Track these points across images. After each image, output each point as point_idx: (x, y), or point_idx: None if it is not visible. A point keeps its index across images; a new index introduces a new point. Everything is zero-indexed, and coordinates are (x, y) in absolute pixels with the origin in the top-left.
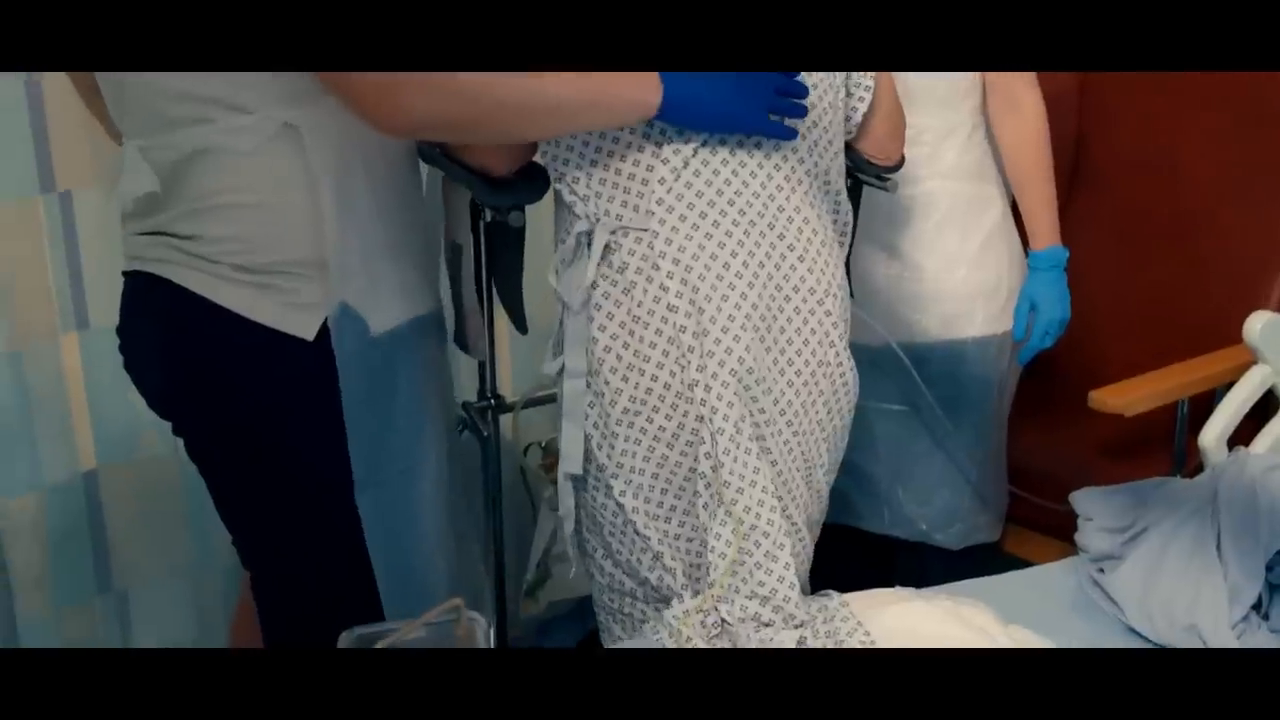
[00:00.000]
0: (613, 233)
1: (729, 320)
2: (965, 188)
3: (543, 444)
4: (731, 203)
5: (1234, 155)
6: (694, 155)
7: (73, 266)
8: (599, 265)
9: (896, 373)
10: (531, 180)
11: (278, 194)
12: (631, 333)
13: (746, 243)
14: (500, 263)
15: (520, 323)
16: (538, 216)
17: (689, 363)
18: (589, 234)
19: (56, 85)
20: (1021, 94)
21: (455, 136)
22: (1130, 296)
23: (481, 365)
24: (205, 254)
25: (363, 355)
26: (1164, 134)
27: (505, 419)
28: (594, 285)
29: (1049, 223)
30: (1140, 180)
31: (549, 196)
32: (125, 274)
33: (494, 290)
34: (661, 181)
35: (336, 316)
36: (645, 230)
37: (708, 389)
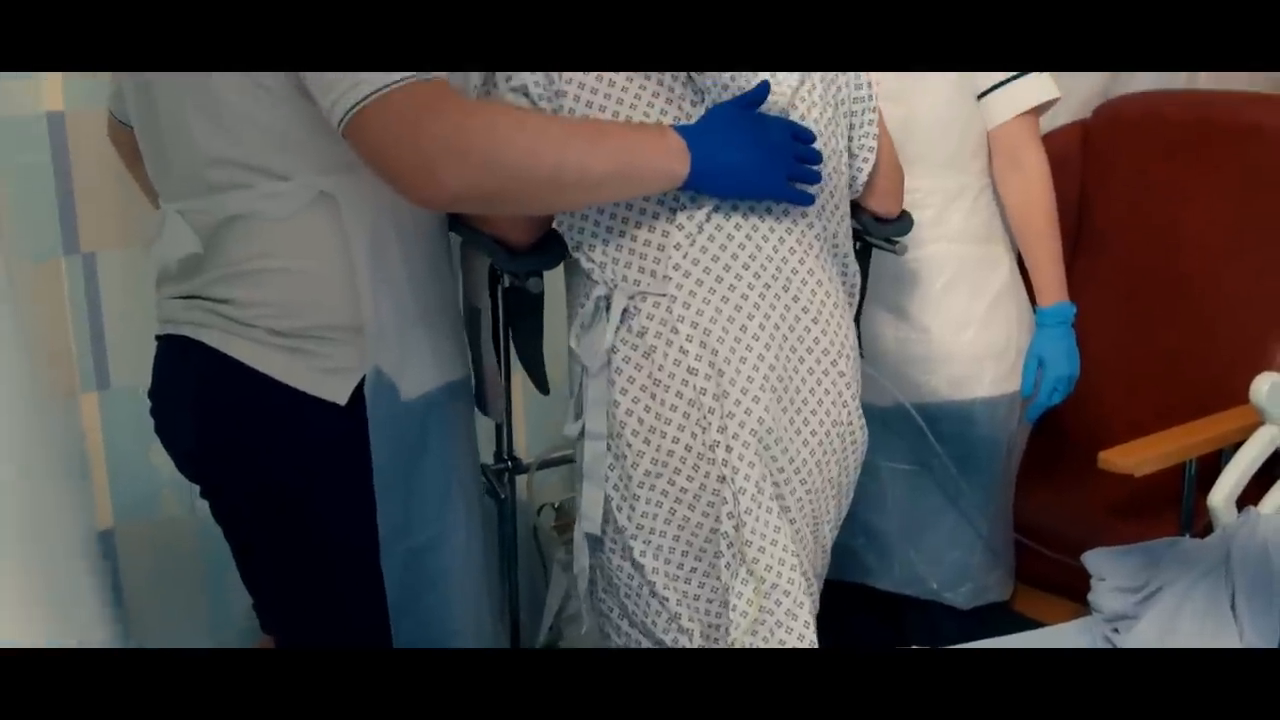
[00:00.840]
0: (631, 297)
1: (748, 381)
2: (972, 250)
3: (556, 505)
4: (746, 266)
5: (1237, 218)
6: (708, 220)
7: (95, 327)
8: (618, 329)
9: (908, 432)
10: (549, 246)
11: (313, 260)
12: (653, 395)
13: (762, 305)
14: (520, 326)
15: (542, 384)
16: (552, 277)
17: (709, 424)
18: (607, 299)
19: (83, 149)
20: (1025, 153)
21: (489, 209)
22: (1135, 356)
23: (499, 427)
24: (240, 318)
25: (395, 420)
26: (1166, 196)
27: (520, 479)
28: (614, 349)
29: (1055, 279)
30: (1143, 241)
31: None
32: (159, 337)
33: (510, 353)
34: (678, 247)
35: (370, 381)
36: (663, 295)
37: (729, 449)
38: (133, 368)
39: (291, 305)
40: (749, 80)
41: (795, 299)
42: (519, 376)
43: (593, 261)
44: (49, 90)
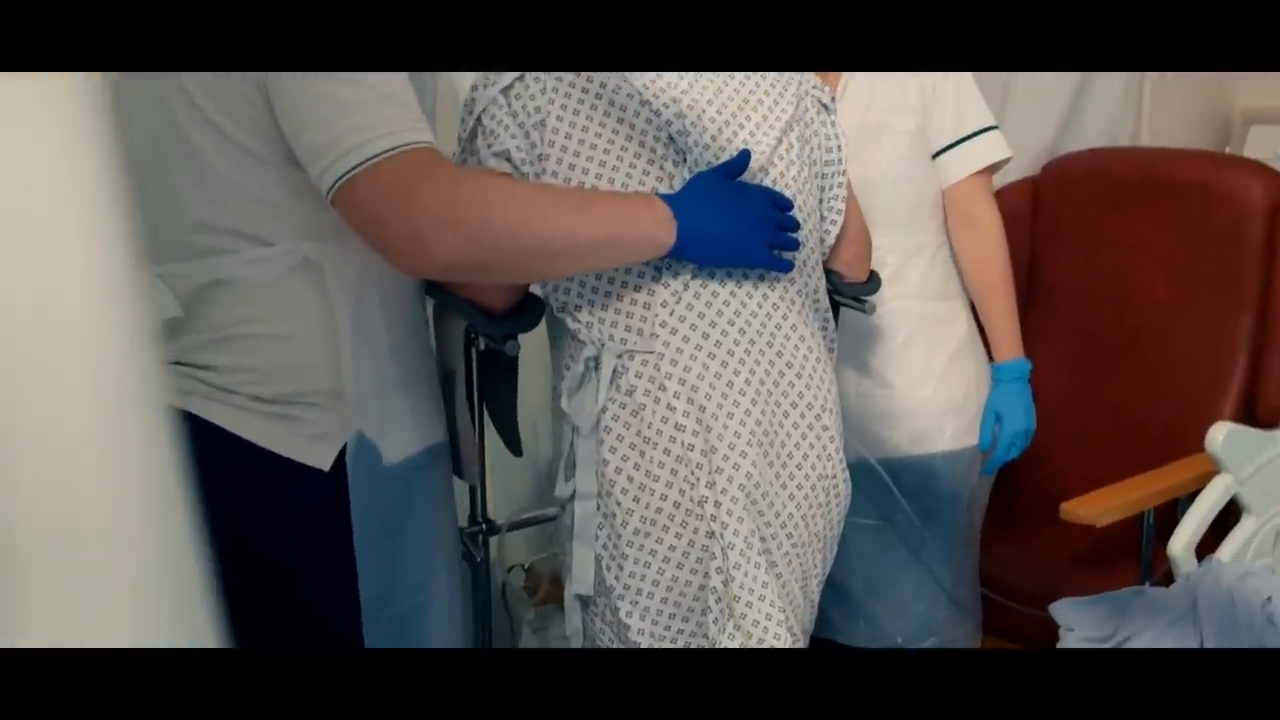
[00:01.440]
0: (619, 356)
1: (735, 437)
2: (930, 306)
3: (525, 566)
4: (731, 322)
5: (1183, 273)
6: (693, 278)
7: None
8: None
9: (871, 487)
10: (526, 309)
11: (296, 325)
12: (642, 453)
13: (748, 360)
14: (495, 389)
15: (515, 446)
16: (525, 339)
17: (698, 479)
18: (597, 359)
19: None
20: (978, 211)
21: (477, 278)
22: (1088, 409)
23: (473, 490)
24: (222, 384)
25: (377, 486)
26: (1115, 251)
27: (491, 541)
28: (603, 409)
29: (1011, 335)
30: (1093, 295)
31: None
32: None
33: (485, 415)
34: (664, 304)
35: (352, 447)
36: (650, 352)
37: (717, 504)
38: None
39: (274, 371)
40: (731, 138)
41: (779, 354)
42: (488, 438)
43: (579, 322)
44: None
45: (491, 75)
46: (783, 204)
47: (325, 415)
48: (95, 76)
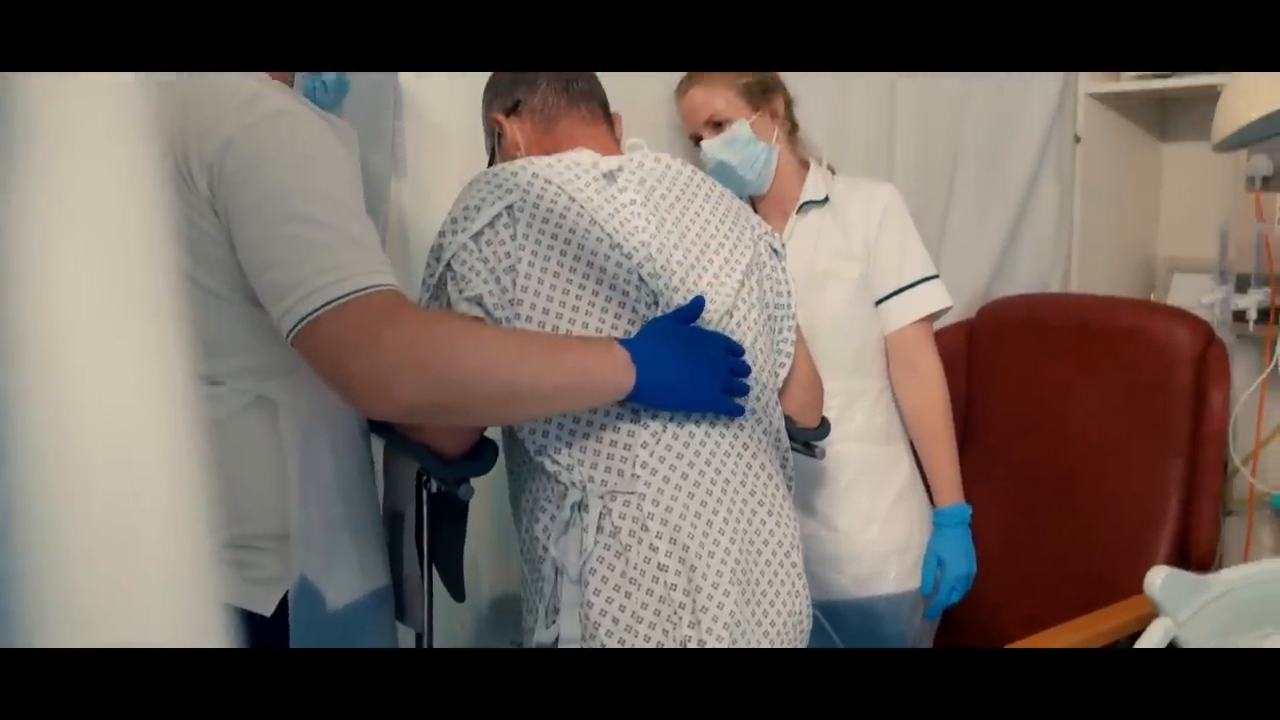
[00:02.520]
0: (601, 497)
1: (718, 576)
2: (874, 449)
3: None
4: (708, 461)
5: (1115, 415)
6: (671, 418)
7: None
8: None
9: (815, 631)
10: (481, 453)
11: (246, 465)
12: (627, 594)
13: (725, 499)
14: (444, 533)
15: (459, 591)
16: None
17: (680, 619)
18: (581, 502)
19: None
20: (919, 357)
21: (439, 421)
22: (1025, 551)
23: (419, 636)
24: None
25: (319, 631)
26: (1050, 394)
27: None
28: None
29: (952, 480)
30: (1029, 438)
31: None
32: None
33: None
34: (644, 445)
35: (294, 591)
36: (633, 493)
37: (701, 644)
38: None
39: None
40: (698, 280)
41: (752, 493)
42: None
43: (559, 464)
44: None
45: (460, 221)
46: (735, 349)
47: (270, 559)
48: None
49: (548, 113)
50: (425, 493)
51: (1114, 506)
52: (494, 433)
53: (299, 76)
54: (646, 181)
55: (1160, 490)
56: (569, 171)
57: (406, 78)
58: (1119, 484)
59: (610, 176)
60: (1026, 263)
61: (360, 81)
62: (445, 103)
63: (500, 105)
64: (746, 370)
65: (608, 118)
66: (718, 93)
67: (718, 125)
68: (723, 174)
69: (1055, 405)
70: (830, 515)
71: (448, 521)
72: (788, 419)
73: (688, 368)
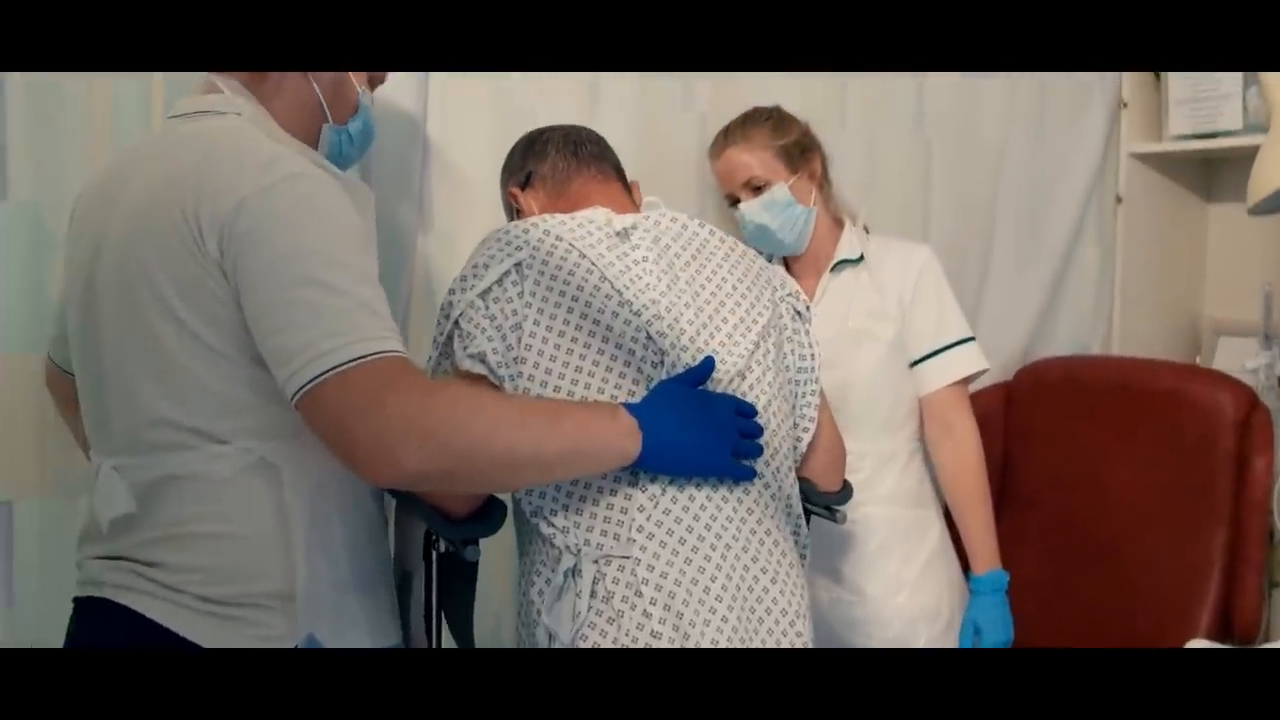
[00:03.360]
0: (595, 562)
1: (713, 644)
2: (904, 513)
3: None
4: (708, 526)
5: (1156, 480)
6: (670, 482)
7: (4, 580)
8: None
9: None
10: (489, 514)
11: (249, 525)
12: None
13: (724, 566)
14: (453, 593)
15: None
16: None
17: None
18: (575, 568)
19: (5, 394)
20: (955, 419)
21: (442, 488)
22: (1063, 616)
23: None
24: (169, 583)
25: None
26: (1089, 457)
27: None
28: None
29: (989, 546)
30: (1068, 501)
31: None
32: (77, 600)
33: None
34: (641, 509)
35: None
36: (628, 557)
37: None
38: (44, 629)
39: (224, 571)
40: (708, 341)
41: (754, 559)
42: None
43: (554, 527)
44: None
45: (469, 279)
46: (745, 410)
47: (276, 618)
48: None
49: (558, 177)
50: (435, 553)
51: (1155, 574)
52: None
53: (325, 129)
54: (661, 240)
55: (1203, 558)
56: (581, 229)
57: (434, 130)
58: (1160, 550)
59: (624, 234)
60: (1067, 324)
61: (387, 134)
62: (472, 156)
63: (514, 180)
64: (758, 431)
65: (621, 178)
66: (756, 155)
67: (756, 188)
68: (761, 237)
69: (1094, 469)
70: (858, 580)
71: (458, 582)
72: (809, 482)
73: (696, 433)
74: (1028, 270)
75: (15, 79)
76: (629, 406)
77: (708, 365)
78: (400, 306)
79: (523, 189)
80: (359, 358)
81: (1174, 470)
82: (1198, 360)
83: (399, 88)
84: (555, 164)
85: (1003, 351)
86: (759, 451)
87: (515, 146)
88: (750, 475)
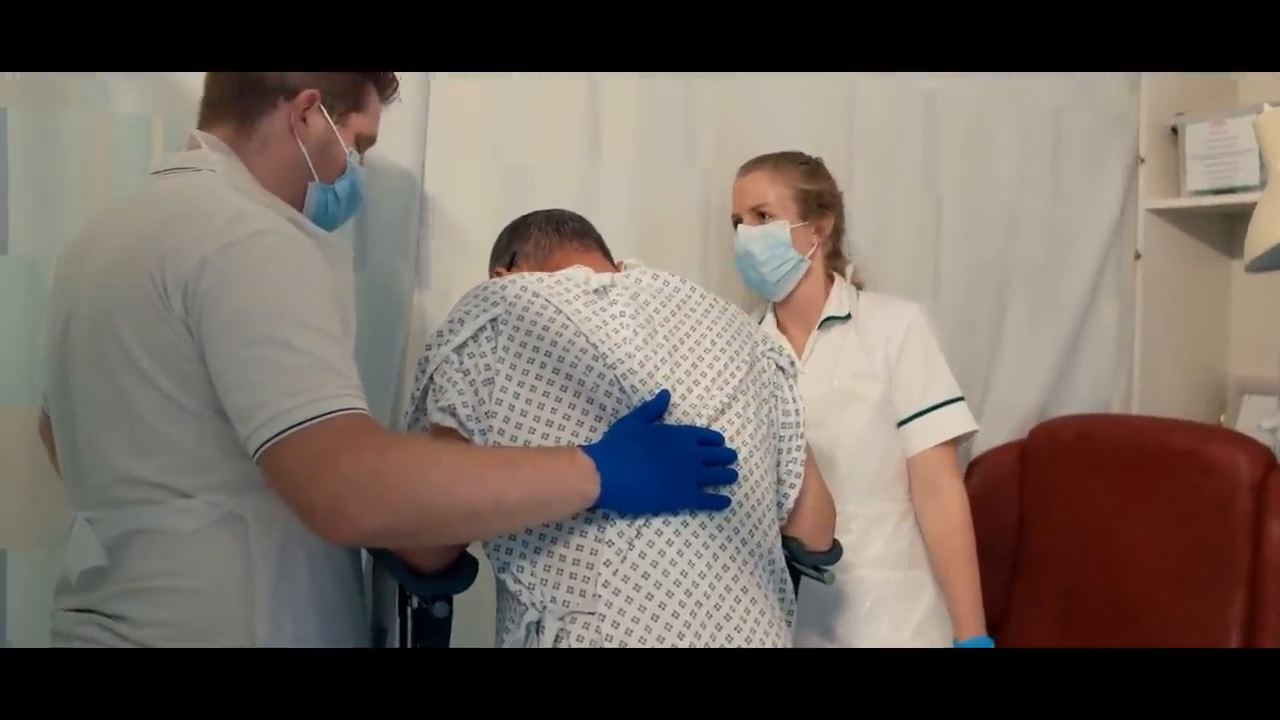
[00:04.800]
0: (560, 619)
1: None
2: (894, 575)
3: None
4: (678, 583)
5: (1173, 543)
6: (638, 536)
7: None
8: None
9: None
10: (459, 570)
11: (214, 579)
12: None
13: (693, 624)
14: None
15: None
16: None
17: None
18: (539, 623)
19: (2, 441)
20: (941, 480)
21: (404, 544)
22: None
23: None
24: (132, 637)
25: None
26: (1104, 517)
27: None
28: None
29: (973, 611)
30: (1083, 562)
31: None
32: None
33: None
34: (607, 564)
35: None
36: (593, 614)
37: None
38: None
39: (185, 626)
40: (685, 395)
41: (727, 618)
42: None
43: (520, 583)
44: None
45: (445, 334)
46: (710, 438)
47: None
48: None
49: (540, 252)
50: (409, 609)
51: (1171, 636)
52: (477, 549)
53: (311, 187)
54: (640, 296)
55: (1220, 622)
56: (559, 285)
57: (431, 188)
58: (1177, 614)
59: (601, 291)
60: (1086, 382)
61: (384, 192)
62: (470, 214)
63: (499, 263)
64: (727, 457)
65: (603, 250)
66: (775, 187)
67: (761, 215)
68: (745, 263)
69: (1109, 529)
70: (850, 641)
71: (429, 637)
72: (797, 541)
73: (657, 467)
74: (1044, 327)
75: (16, 136)
76: (586, 448)
77: (663, 398)
78: (396, 363)
79: (508, 269)
80: (316, 416)
81: (1191, 532)
82: (1222, 419)
83: (396, 146)
84: (538, 241)
85: (1018, 409)
86: (731, 477)
87: (501, 233)
88: (721, 505)
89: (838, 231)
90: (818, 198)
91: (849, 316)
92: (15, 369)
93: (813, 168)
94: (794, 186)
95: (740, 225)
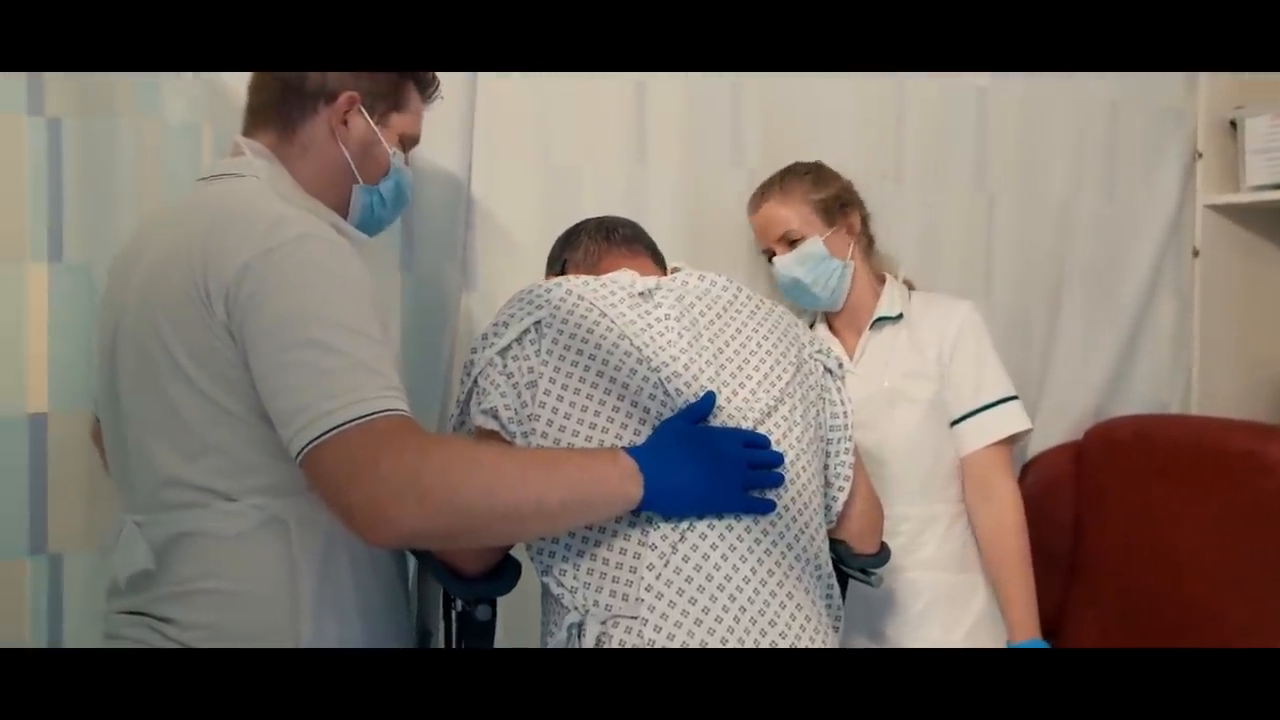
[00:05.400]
0: (603, 623)
1: None
2: (946, 578)
3: None
4: (721, 587)
5: (1232, 547)
6: (681, 540)
7: (54, 638)
8: None
9: None
10: (501, 573)
11: (257, 582)
12: None
13: (737, 629)
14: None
15: None
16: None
17: None
18: (580, 626)
19: (61, 451)
20: (995, 480)
21: (445, 546)
22: None
23: None
24: (180, 639)
25: None
26: (1162, 519)
27: None
28: None
29: (1027, 614)
30: (1140, 565)
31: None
32: None
33: None
34: (650, 568)
35: None
36: (635, 618)
37: None
38: None
39: (229, 629)
40: (730, 398)
41: (772, 623)
42: None
43: (563, 586)
44: (33, 392)
45: (489, 337)
46: (757, 441)
47: None
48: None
49: (590, 259)
50: (453, 611)
51: (1230, 642)
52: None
53: (355, 190)
54: (685, 298)
55: None
56: (604, 288)
57: (478, 190)
58: (1236, 618)
59: (647, 294)
60: (1143, 382)
61: (431, 194)
62: (516, 216)
63: (551, 271)
64: (774, 460)
65: (654, 256)
66: (793, 208)
67: (791, 242)
68: (795, 291)
69: (1166, 533)
70: (900, 644)
71: (474, 640)
72: (844, 544)
73: (701, 469)
74: (1099, 326)
75: (70, 144)
76: (630, 450)
77: (708, 400)
78: (442, 365)
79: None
80: (356, 418)
81: (1250, 535)
82: None
83: (443, 148)
84: (588, 248)
85: (1072, 410)
86: (778, 481)
87: (555, 243)
88: (767, 508)
89: (864, 220)
90: (835, 200)
91: (900, 316)
92: (72, 374)
93: (815, 173)
94: (808, 200)
95: (775, 257)
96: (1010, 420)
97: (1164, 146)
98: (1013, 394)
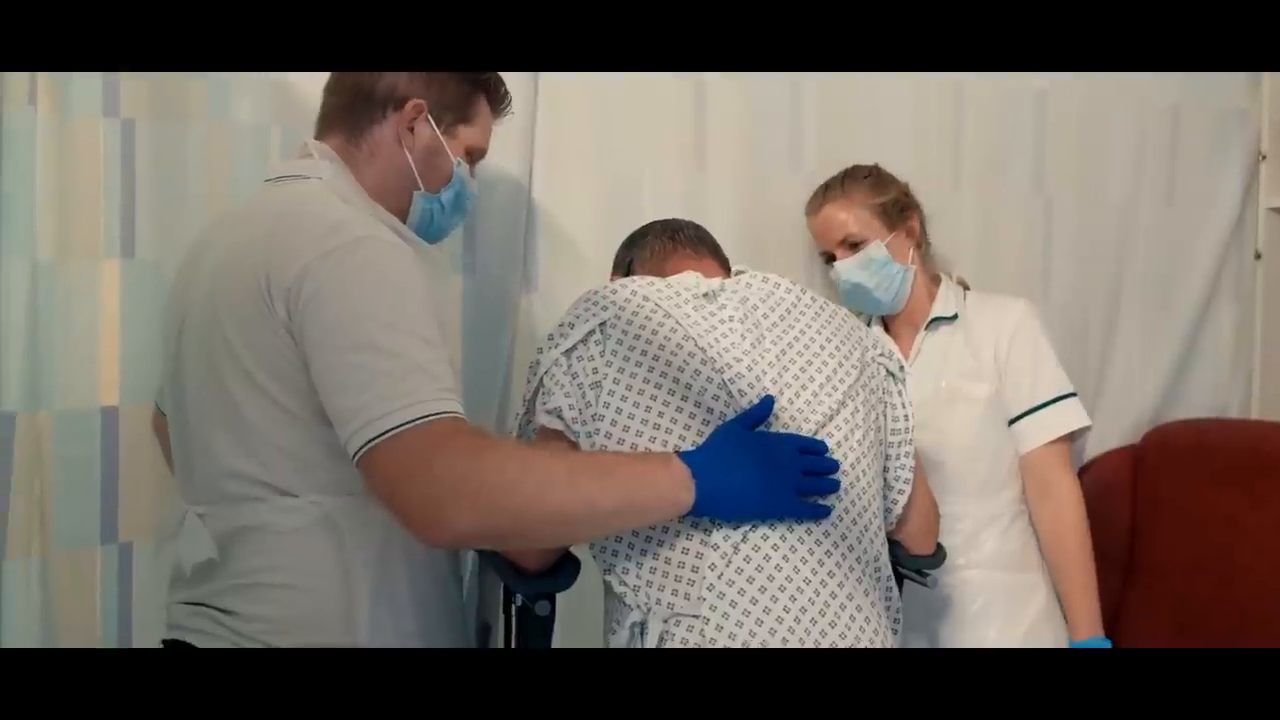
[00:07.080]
0: (665, 621)
1: None
2: (1006, 577)
3: None
4: (782, 588)
5: None
6: (744, 540)
7: (123, 617)
8: None
9: None
10: (561, 570)
11: (315, 576)
12: None
13: (797, 629)
14: (529, 647)
15: None
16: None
17: None
18: (643, 625)
19: (132, 443)
20: (1055, 478)
21: (498, 546)
22: None
23: None
24: (242, 631)
25: None
26: (1219, 526)
27: None
28: None
29: (1089, 612)
30: (1197, 572)
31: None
32: (164, 642)
33: None
34: (712, 568)
35: None
36: (697, 617)
37: None
38: None
39: (289, 622)
40: (793, 400)
41: (832, 624)
42: None
43: (625, 585)
44: (105, 385)
45: (555, 338)
46: (813, 447)
47: None
48: None
49: (655, 259)
50: (513, 606)
51: None
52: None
53: (417, 196)
54: (749, 300)
55: None
56: (668, 290)
57: (539, 194)
58: None
59: (710, 296)
60: (1203, 386)
61: (493, 197)
62: (576, 219)
63: (618, 272)
64: (829, 467)
65: (718, 256)
66: (853, 212)
67: (853, 246)
68: (857, 295)
69: (1224, 540)
70: (958, 644)
71: (533, 635)
72: (900, 545)
73: (754, 475)
74: (1158, 330)
75: (143, 145)
76: (683, 455)
77: (766, 404)
78: (502, 366)
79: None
80: (411, 420)
81: None
82: None
83: (504, 152)
84: (653, 249)
85: (1131, 413)
86: (833, 487)
87: (621, 245)
88: (822, 514)
89: (923, 222)
90: (895, 204)
91: (956, 316)
92: (142, 368)
93: (876, 177)
94: (869, 204)
95: (836, 261)
96: (1069, 417)
97: (1227, 148)
98: (1071, 391)
